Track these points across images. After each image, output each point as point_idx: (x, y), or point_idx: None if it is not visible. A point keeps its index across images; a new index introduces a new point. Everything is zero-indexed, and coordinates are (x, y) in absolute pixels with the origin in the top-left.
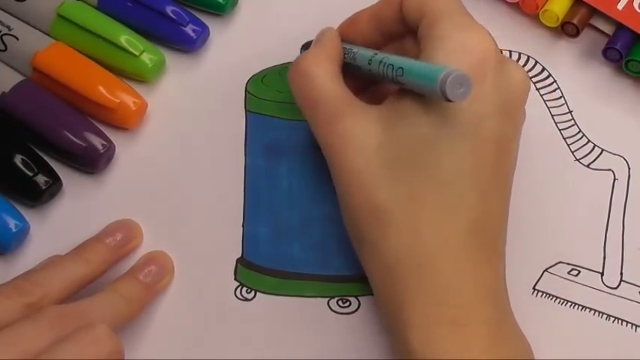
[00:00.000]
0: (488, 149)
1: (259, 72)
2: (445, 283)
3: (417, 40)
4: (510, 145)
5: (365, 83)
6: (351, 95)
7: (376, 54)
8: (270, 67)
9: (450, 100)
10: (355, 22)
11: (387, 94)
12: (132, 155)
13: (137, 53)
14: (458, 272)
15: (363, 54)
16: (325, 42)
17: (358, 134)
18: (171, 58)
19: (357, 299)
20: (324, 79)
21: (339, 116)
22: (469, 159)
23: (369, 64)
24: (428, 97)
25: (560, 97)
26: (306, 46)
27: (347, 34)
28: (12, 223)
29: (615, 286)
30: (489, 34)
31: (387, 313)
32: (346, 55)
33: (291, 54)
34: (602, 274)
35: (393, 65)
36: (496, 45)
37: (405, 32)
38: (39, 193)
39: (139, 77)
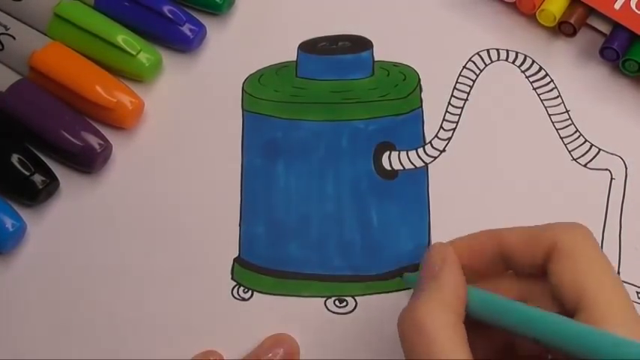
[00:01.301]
0: None
1: (256, 71)
2: None
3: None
4: None
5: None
6: None
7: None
8: (267, 67)
9: None
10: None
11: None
12: (129, 155)
13: (134, 53)
14: None
15: (505, 307)
16: (445, 280)
17: None
18: (168, 58)
19: (354, 299)
20: (445, 340)
21: None
22: None
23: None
24: None
25: (558, 97)
26: (303, 46)
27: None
28: (9, 223)
29: None
30: None
31: None
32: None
33: (288, 53)
34: None
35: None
36: None
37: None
38: (36, 193)
39: (136, 77)
